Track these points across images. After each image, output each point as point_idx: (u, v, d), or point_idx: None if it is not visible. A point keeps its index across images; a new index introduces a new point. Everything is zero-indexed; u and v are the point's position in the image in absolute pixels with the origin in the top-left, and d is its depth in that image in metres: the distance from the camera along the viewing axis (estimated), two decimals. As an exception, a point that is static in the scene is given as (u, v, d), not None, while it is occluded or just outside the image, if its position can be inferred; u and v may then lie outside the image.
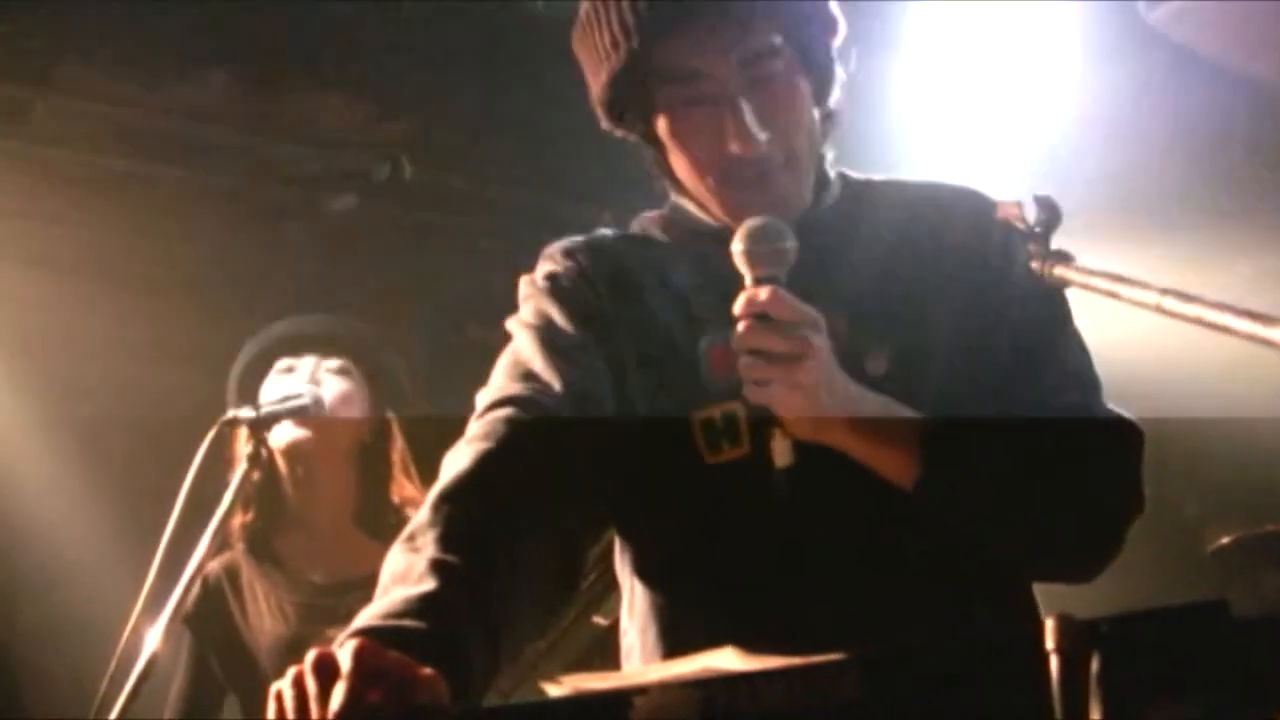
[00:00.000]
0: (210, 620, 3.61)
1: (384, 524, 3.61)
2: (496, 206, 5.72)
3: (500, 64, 4.88)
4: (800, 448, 1.92)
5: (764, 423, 1.92)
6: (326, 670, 1.45)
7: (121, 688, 2.81)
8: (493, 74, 4.93)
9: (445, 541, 1.76)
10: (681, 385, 2.04)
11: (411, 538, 1.80)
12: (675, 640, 2.00)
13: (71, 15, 4.53)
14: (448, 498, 1.84)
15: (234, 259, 5.71)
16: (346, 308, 4.55)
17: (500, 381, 2.03)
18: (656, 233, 2.21)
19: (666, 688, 1.31)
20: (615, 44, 1.99)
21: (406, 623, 1.62)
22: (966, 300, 2.08)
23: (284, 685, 1.48)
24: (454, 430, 2.01)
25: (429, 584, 1.68)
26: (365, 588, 3.48)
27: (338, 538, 3.70)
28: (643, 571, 2.10)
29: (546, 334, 2.06)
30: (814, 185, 2.13)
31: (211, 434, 3.07)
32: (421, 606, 1.64)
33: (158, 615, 2.90)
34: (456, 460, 1.90)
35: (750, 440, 1.99)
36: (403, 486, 3.72)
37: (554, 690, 1.42)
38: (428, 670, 1.47)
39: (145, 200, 5.43)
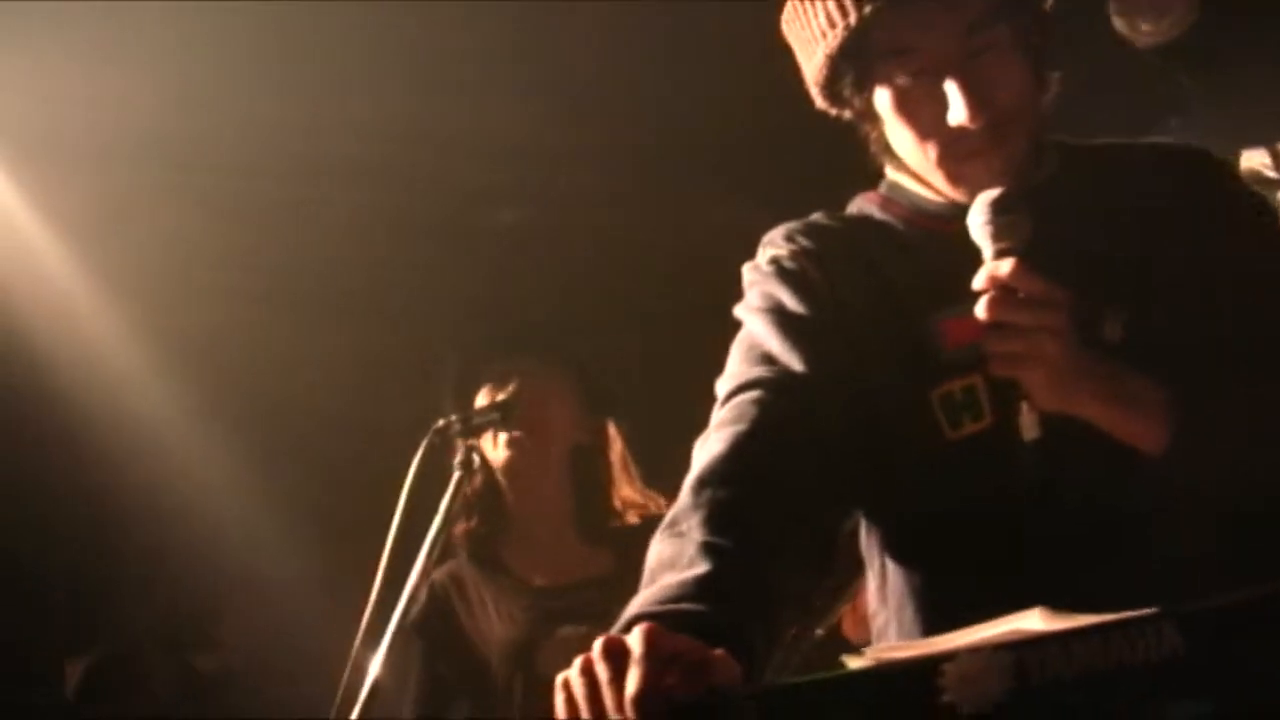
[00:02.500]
0: (439, 627, 3.65)
1: (604, 529, 3.64)
2: (670, 212, 5.70)
3: (672, 65, 4.86)
4: (1045, 419, 1.90)
5: (1007, 395, 1.91)
6: (618, 656, 1.44)
7: (352, 702, 2.85)
8: (664, 77, 4.90)
9: (711, 525, 1.76)
10: (916, 361, 2.03)
11: (674, 524, 1.80)
12: (933, 617, 1.99)
13: (232, 41, 4.60)
14: (707, 482, 1.84)
15: (406, 276, 5.75)
16: (526, 318, 4.56)
17: (739, 367, 2.03)
18: (875, 211, 2.20)
19: (976, 652, 1.30)
20: (832, 23, 1.99)
21: (685, 606, 1.62)
22: (1196, 258, 2.05)
23: (571, 674, 1.48)
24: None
25: (702, 567, 1.68)
26: (591, 588, 3.58)
27: (558, 542, 3.74)
28: (894, 551, 2.09)
29: (779, 317, 2.06)
30: (1034, 154, 2.11)
31: (424, 444, 3.12)
32: (697, 590, 1.64)
33: (382, 627, 2.94)
34: (710, 446, 1.90)
35: (992, 413, 1.98)
36: (622, 489, 3.74)
37: (855, 663, 1.41)
38: (719, 651, 1.46)
39: (315, 223, 5.49)
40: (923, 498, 2.04)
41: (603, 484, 3.76)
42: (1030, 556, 1.95)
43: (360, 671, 2.92)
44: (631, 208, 5.57)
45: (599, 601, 3.54)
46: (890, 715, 1.31)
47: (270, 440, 5.75)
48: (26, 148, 4.63)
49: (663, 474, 3.83)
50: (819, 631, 3.51)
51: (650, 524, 3.62)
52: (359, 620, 3.62)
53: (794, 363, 2.00)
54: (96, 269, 5.31)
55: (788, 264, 2.12)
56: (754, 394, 1.96)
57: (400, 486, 3.19)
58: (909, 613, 2.04)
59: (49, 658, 5.80)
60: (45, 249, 5.10)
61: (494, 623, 3.65)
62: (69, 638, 5.82)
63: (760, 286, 2.12)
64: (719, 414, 1.98)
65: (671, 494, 3.71)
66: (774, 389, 1.96)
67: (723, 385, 2.03)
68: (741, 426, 1.91)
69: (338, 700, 2.86)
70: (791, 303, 2.07)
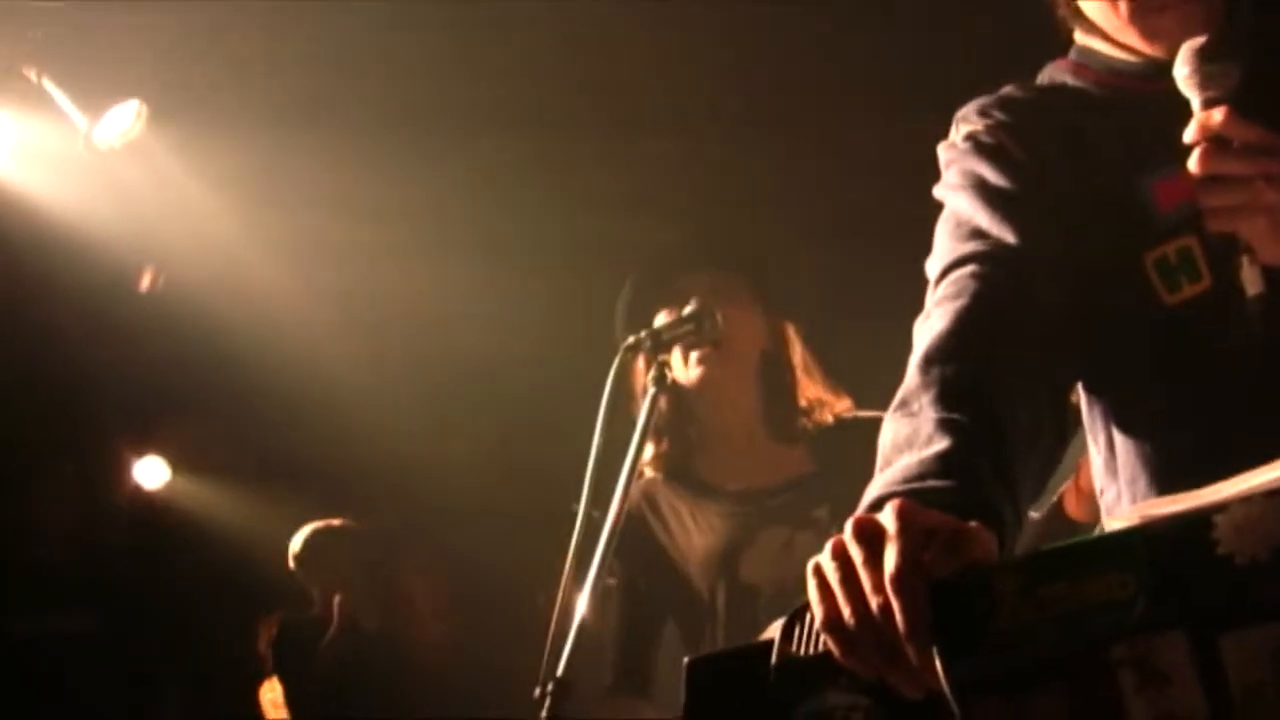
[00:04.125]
0: (636, 546, 3.61)
1: (794, 428, 3.61)
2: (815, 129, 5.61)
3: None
4: (1268, 272, 1.82)
5: (1225, 252, 1.83)
6: (872, 535, 1.39)
7: (563, 636, 2.82)
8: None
9: (944, 401, 1.70)
10: (1127, 228, 1.97)
11: (905, 404, 1.75)
12: (1168, 485, 1.92)
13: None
14: (934, 359, 1.79)
15: (565, 216, 5.74)
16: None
17: (950, 244, 1.98)
18: (1068, 79, 2.13)
19: (1249, 500, 1.24)
20: None
21: (931, 483, 1.56)
22: None
23: (823, 559, 1.42)
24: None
25: (942, 443, 1.62)
26: (789, 490, 3.55)
27: (751, 448, 3.70)
28: (1120, 422, 2.02)
29: (983, 191, 2.00)
30: (1229, 2, 2.03)
31: (616, 363, 3.09)
32: (941, 466, 1.59)
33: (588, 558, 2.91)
34: (932, 324, 1.85)
35: (1211, 273, 1.91)
36: (807, 388, 3.70)
37: (1116, 524, 1.36)
38: (974, 524, 1.42)
39: (465, 170, 5.49)
40: (1146, 365, 1.98)
41: (789, 386, 3.70)
42: (1261, 412, 1.89)
43: (569, 609, 2.88)
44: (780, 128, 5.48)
45: (798, 503, 3.51)
46: (1163, 573, 1.25)
47: (440, 391, 5.80)
48: (180, 108, 4.68)
49: (852, 380, 3.80)
50: (1035, 515, 3.43)
51: (845, 424, 3.63)
52: (540, 561, 3.59)
53: (1006, 235, 1.94)
54: (255, 226, 5.37)
55: (985, 138, 2.06)
56: (970, 268, 1.91)
57: (570, 426, 3.16)
58: (1142, 484, 1.97)
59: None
60: (205, 208, 5.16)
61: (692, 535, 3.61)
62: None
63: (959, 164, 2.07)
64: (936, 293, 1.93)
65: (855, 399, 3.71)
66: (989, 262, 1.91)
67: (934, 265, 1.98)
68: (963, 301, 1.86)
69: (549, 640, 2.82)
70: (994, 176, 2.01)
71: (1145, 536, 1.28)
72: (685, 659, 1.48)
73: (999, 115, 2.08)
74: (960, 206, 2.01)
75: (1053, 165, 2.02)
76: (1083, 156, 2.02)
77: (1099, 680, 1.26)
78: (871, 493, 1.60)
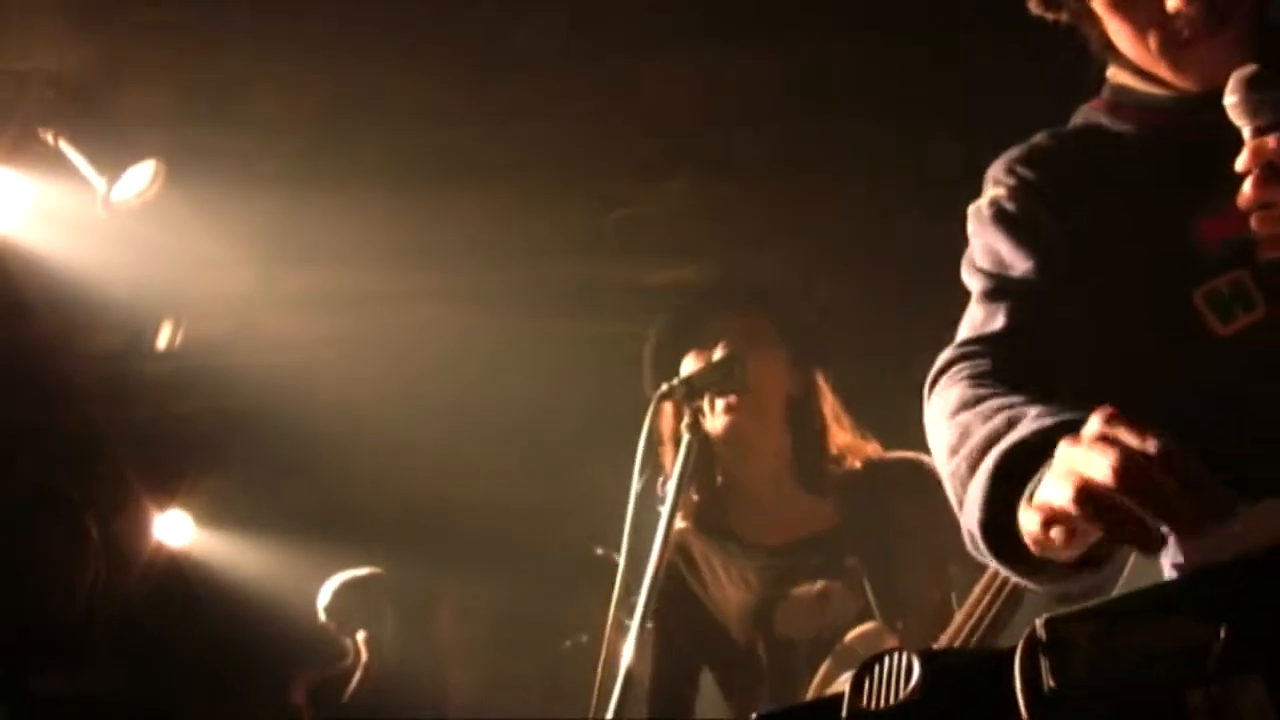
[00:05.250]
0: (671, 600, 3.59)
1: (824, 479, 3.60)
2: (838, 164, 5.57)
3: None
4: None
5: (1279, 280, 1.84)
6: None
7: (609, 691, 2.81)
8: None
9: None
10: (1173, 265, 1.97)
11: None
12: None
13: (376, 50, 4.61)
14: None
15: (571, 263, 5.73)
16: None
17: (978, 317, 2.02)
18: (1103, 119, 2.14)
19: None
20: None
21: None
22: None
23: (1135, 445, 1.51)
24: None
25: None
26: (820, 543, 3.52)
27: (782, 498, 3.68)
28: None
29: (999, 280, 2.04)
30: (1259, 37, 2.03)
31: (650, 410, 3.08)
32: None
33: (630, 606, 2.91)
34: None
35: (1266, 301, 1.92)
36: (837, 436, 3.68)
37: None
38: None
39: (476, 218, 5.49)
40: (1202, 396, 1.97)
41: (819, 434, 3.69)
42: None
43: (614, 656, 2.87)
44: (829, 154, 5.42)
45: (829, 556, 3.48)
46: (1238, 617, 1.24)
47: (462, 436, 5.79)
48: (196, 168, 4.70)
49: (876, 420, 3.78)
50: None
51: (873, 467, 3.61)
52: (568, 604, 3.56)
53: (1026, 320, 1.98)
54: (271, 280, 5.38)
55: (1007, 205, 2.08)
56: (978, 364, 1.95)
57: (594, 470, 3.15)
58: None
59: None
60: (222, 264, 5.18)
61: (726, 587, 3.59)
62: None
63: (981, 236, 2.10)
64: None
65: (886, 442, 3.68)
66: (1008, 350, 1.96)
67: (961, 332, 2.02)
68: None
69: (596, 687, 2.81)
70: (1013, 255, 2.04)
71: (1218, 580, 1.28)
72: (753, 716, 1.47)
73: (1024, 173, 2.10)
74: (978, 296, 2.05)
75: (1086, 214, 2.03)
76: (1122, 200, 2.03)
77: (1175, 727, 1.25)
78: (1014, 435, 1.68)
